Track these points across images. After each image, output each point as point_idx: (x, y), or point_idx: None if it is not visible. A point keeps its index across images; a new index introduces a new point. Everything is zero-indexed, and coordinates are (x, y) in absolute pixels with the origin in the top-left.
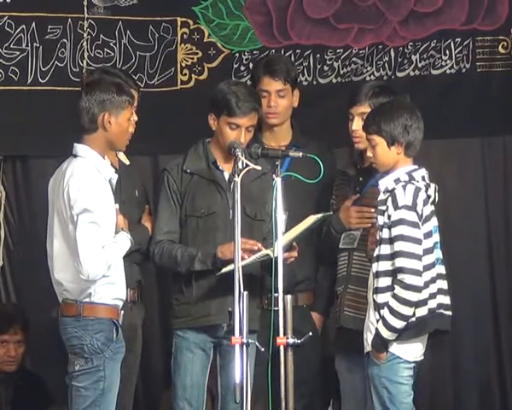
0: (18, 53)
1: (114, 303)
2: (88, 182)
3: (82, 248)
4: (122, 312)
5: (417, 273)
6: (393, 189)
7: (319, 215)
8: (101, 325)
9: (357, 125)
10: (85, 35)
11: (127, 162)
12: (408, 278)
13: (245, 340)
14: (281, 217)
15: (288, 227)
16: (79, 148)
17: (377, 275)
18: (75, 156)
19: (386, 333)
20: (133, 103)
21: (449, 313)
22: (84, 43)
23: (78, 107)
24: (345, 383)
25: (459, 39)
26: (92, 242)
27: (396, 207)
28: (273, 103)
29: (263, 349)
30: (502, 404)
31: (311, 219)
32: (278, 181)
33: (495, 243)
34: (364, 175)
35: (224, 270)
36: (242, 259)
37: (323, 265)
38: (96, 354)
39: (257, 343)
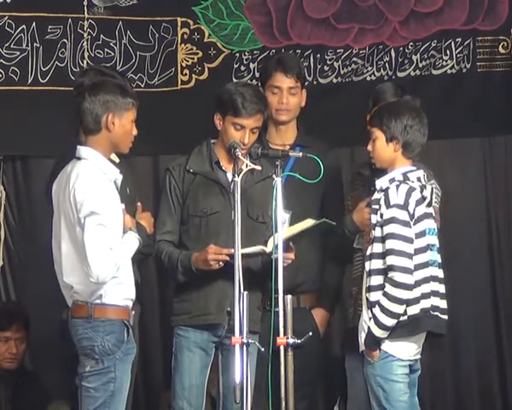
0: (18, 53)
1: (125, 304)
2: (93, 184)
3: (90, 251)
4: (133, 312)
5: (408, 271)
6: (387, 188)
7: (318, 221)
8: (112, 327)
9: None
10: (85, 35)
11: (117, 160)
12: (398, 276)
13: (245, 340)
14: (281, 216)
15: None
16: (83, 150)
17: (370, 273)
18: (79, 159)
19: (377, 331)
20: (136, 105)
21: (445, 317)
22: (85, 44)
23: (82, 108)
24: (352, 383)
25: (460, 39)
26: (100, 244)
27: (388, 205)
28: (285, 100)
29: (263, 349)
30: (502, 405)
31: (309, 223)
32: (278, 181)
33: (496, 242)
34: (379, 175)
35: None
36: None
37: (332, 264)
38: (106, 356)
39: (257, 343)
